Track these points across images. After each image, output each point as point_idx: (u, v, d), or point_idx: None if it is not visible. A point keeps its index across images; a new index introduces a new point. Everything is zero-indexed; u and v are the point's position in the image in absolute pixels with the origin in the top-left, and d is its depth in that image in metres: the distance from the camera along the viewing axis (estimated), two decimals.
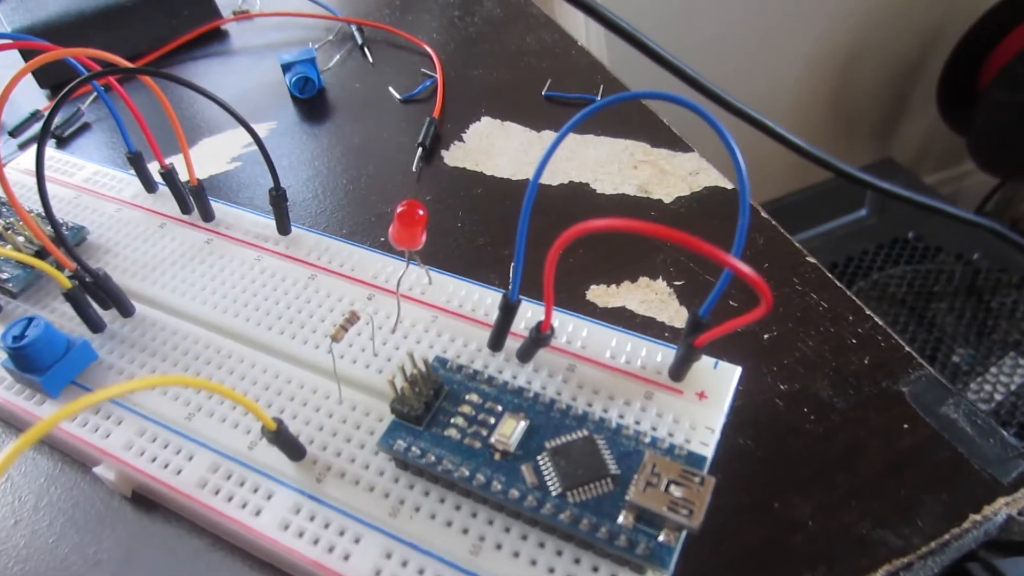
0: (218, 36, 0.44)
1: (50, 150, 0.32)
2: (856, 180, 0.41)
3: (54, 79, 0.39)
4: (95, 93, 0.37)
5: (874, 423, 0.23)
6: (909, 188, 0.43)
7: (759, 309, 0.16)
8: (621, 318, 0.26)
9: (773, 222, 0.29)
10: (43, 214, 0.21)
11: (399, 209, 0.21)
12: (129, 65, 0.22)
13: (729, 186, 0.31)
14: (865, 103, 0.97)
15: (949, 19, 0.88)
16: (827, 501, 0.21)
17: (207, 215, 0.27)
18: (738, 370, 0.22)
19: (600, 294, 0.27)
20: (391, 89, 0.38)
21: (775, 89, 0.89)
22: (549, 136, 0.34)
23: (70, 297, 0.23)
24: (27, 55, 0.39)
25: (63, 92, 0.19)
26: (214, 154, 0.35)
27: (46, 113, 0.37)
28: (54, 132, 0.36)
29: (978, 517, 0.20)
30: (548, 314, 0.20)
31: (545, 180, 0.32)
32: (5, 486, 0.23)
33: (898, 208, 0.88)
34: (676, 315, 0.26)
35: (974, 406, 0.23)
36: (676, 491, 0.18)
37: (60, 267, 0.23)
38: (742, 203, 0.18)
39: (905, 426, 0.23)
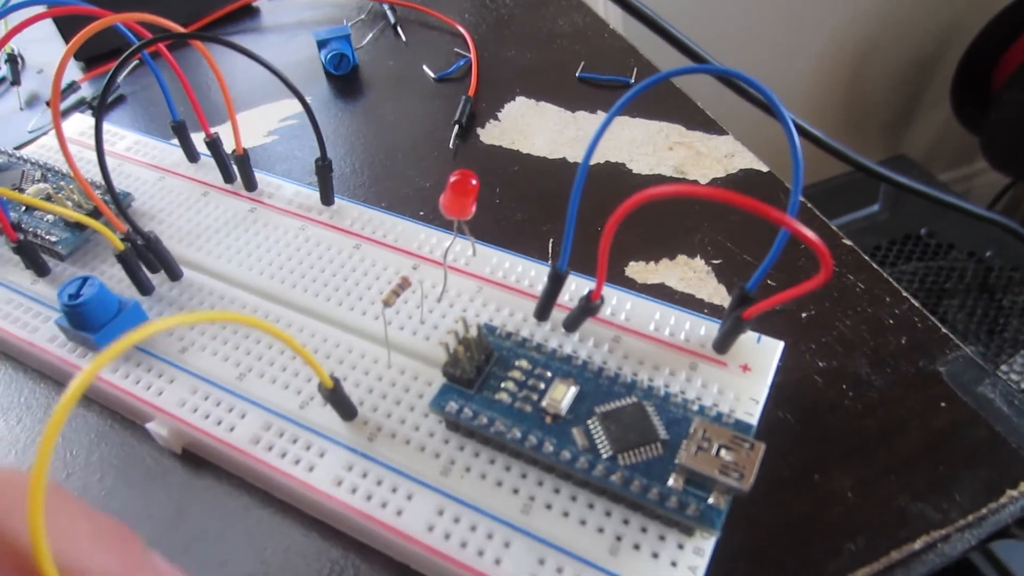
0: (249, 13, 0.44)
1: (87, 119, 0.32)
2: (873, 173, 0.41)
3: (89, 51, 0.40)
4: (131, 65, 0.38)
5: (912, 401, 0.23)
6: (923, 184, 0.43)
7: (818, 277, 0.17)
8: (661, 294, 0.26)
9: (809, 204, 0.29)
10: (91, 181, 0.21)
11: (452, 178, 0.21)
12: (182, 30, 0.23)
13: (764, 168, 0.31)
14: (878, 99, 0.97)
15: (964, 17, 0.87)
16: (866, 475, 0.21)
17: (250, 184, 0.27)
18: (781, 344, 0.22)
19: (639, 271, 0.27)
20: (425, 68, 0.38)
21: (788, 84, 0.89)
22: (583, 117, 0.35)
23: (122, 259, 0.23)
24: (61, 25, 0.39)
25: (124, 55, 0.20)
26: (251, 128, 0.35)
27: (83, 86, 0.37)
28: (89, 103, 0.36)
29: (1015, 493, 0.21)
30: (600, 283, 0.20)
31: (581, 161, 0.32)
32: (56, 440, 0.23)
33: (911, 204, 0.88)
34: (715, 292, 0.26)
35: (1011, 386, 0.23)
36: (727, 455, 0.18)
37: (112, 229, 0.23)
38: (795, 173, 0.19)
39: (942, 404, 0.23)
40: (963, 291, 0.82)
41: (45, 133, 0.34)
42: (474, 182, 0.21)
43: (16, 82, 0.38)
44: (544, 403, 0.20)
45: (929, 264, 0.86)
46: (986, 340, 0.77)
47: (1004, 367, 0.72)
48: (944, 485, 0.21)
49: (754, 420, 0.20)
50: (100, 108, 0.20)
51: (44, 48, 0.41)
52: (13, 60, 0.38)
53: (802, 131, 0.37)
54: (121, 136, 0.31)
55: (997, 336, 0.77)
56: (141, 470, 0.22)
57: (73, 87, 0.37)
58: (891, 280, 0.26)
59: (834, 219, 0.95)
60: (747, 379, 0.21)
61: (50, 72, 0.40)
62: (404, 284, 0.21)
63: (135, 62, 0.38)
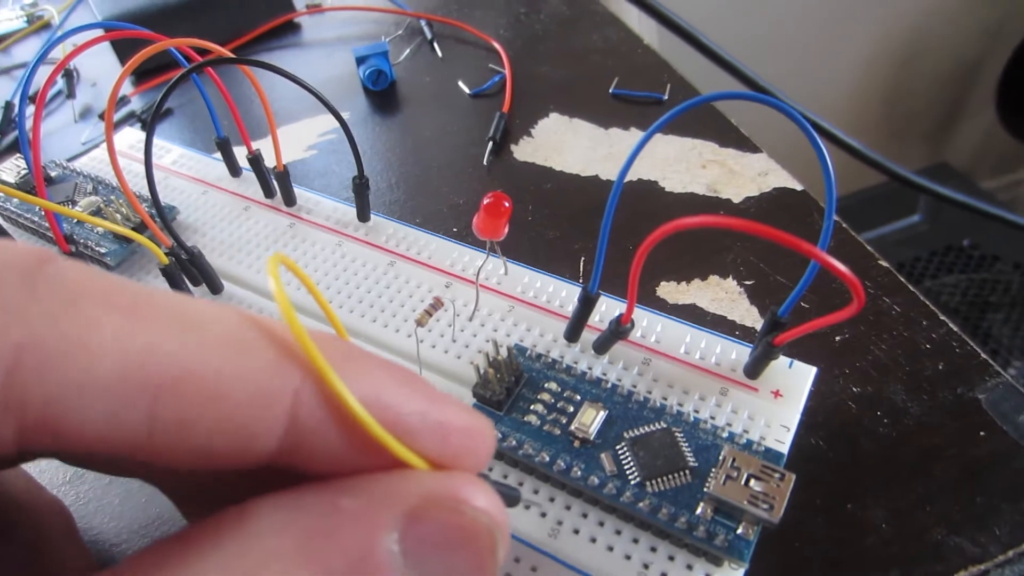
0: (291, 29, 0.45)
1: (136, 132, 0.33)
2: (913, 184, 0.40)
3: (140, 66, 0.41)
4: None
5: (949, 429, 0.23)
6: (965, 194, 0.42)
7: (850, 308, 0.17)
8: (692, 315, 0.26)
9: (844, 224, 0.29)
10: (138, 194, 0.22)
11: (486, 200, 0.21)
12: (228, 54, 0.23)
13: (798, 187, 0.31)
14: (921, 105, 0.95)
15: (1010, 20, 0.85)
16: (901, 505, 0.21)
17: (290, 200, 0.28)
18: (814, 370, 0.22)
19: (670, 291, 0.27)
20: (460, 83, 0.39)
21: (829, 89, 0.88)
22: (616, 133, 0.35)
23: (166, 272, 0.24)
24: (117, 45, 0.40)
25: (176, 78, 0.20)
26: (291, 143, 0.36)
27: (133, 100, 0.38)
28: (139, 116, 0.37)
29: None
30: (630, 307, 0.20)
31: (614, 178, 0.32)
32: None
33: (953, 214, 0.86)
34: (747, 314, 0.26)
35: None
36: (756, 485, 0.18)
37: (157, 243, 0.24)
38: (828, 202, 0.18)
39: (981, 433, 0.22)
40: (1008, 304, 0.80)
41: (97, 146, 0.35)
42: (507, 204, 0.21)
43: (71, 95, 0.39)
44: (573, 426, 0.20)
45: (972, 276, 0.84)
46: None
47: None
48: (982, 518, 0.20)
49: (785, 448, 0.20)
50: (150, 131, 0.21)
51: (97, 61, 0.43)
52: (68, 74, 0.40)
53: (839, 142, 0.36)
54: (168, 149, 0.32)
55: None
56: None
57: (124, 101, 0.38)
58: (928, 303, 0.26)
59: (873, 230, 0.93)
60: (778, 405, 0.21)
61: (103, 85, 0.41)
62: (437, 304, 0.21)
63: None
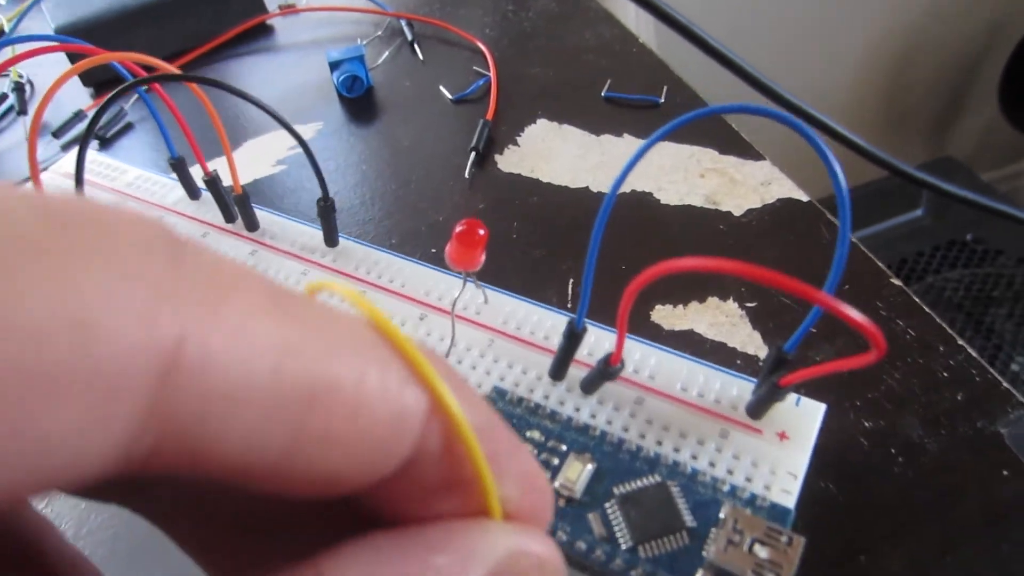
0: (264, 31, 0.43)
1: (92, 153, 0.31)
2: (915, 180, 0.38)
3: (98, 77, 0.39)
4: (132, 98, 0.37)
5: (970, 467, 0.21)
6: (968, 187, 0.40)
7: (867, 356, 0.15)
8: (690, 342, 0.24)
9: (854, 239, 0.27)
10: None
11: (458, 229, 0.19)
12: (173, 70, 0.21)
13: (804, 198, 0.29)
14: (923, 98, 0.93)
15: (1013, 12, 0.83)
16: (919, 555, 0.19)
17: (251, 224, 0.26)
18: (823, 408, 0.20)
19: (666, 315, 0.25)
20: (442, 88, 0.36)
21: (830, 82, 0.86)
22: (608, 140, 0.33)
23: None
24: (74, 59, 0.38)
25: (105, 99, 0.18)
26: (259, 156, 0.34)
27: (89, 114, 0.36)
28: (97, 133, 0.35)
29: None
30: (619, 347, 0.18)
31: (605, 190, 0.30)
32: (45, 510, 0.22)
33: (955, 208, 0.84)
34: (748, 339, 0.24)
35: None
36: (761, 551, 0.16)
37: None
38: (841, 234, 0.16)
39: (1005, 472, 0.20)
40: (1011, 299, 0.78)
41: (49, 166, 0.33)
42: (481, 232, 0.19)
43: (23, 111, 0.37)
44: (557, 483, 0.18)
45: (975, 271, 0.82)
46: None
47: None
48: (1007, 566, 0.19)
49: (792, 501, 0.18)
50: (80, 155, 0.19)
51: (54, 73, 0.41)
52: (20, 88, 0.37)
53: (840, 137, 0.34)
54: (123, 171, 0.30)
55: None
56: (133, 544, 0.21)
57: (80, 116, 0.36)
58: (945, 327, 0.24)
59: (875, 225, 0.91)
60: (784, 449, 0.19)
61: (60, 100, 0.39)
62: None
63: (135, 97, 0.37)
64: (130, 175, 0.29)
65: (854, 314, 0.14)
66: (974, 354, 0.23)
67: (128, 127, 0.36)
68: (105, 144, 0.35)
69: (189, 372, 0.07)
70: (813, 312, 0.18)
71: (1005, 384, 0.23)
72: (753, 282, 0.13)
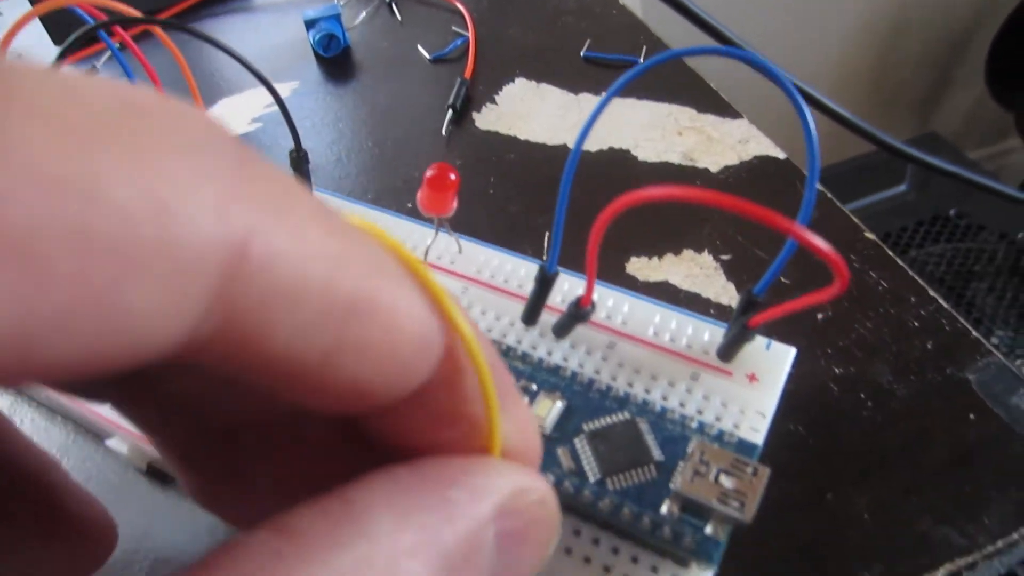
0: None
1: None
2: (900, 153, 0.38)
3: (68, 34, 0.38)
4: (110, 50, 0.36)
5: (937, 412, 0.21)
6: (953, 163, 0.41)
7: (831, 289, 0.15)
8: (664, 293, 0.24)
9: (829, 195, 0.27)
10: None
11: (428, 173, 0.19)
12: (136, 14, 0.21)
13: (781, 156, 0.29)
14: (909, 74, 0.93)
15: None
16: (885, 495, 0.19)
17: None
18: (792, 351, 0.20)
19: (641, 267, 0.25)
20: (420, 48, 0.36)
21: (816, 57, 0.86)
22: (587, 99, 0.32)
23: None
24: (48, 22, 0.38)
25: (64, 45, 0.18)
26: (234, 114, 0.33)
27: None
28: None
29: None
30: (590, 289, 0.18)
31: (583, 146, 0.30)
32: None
33: (940, 184, 0.85)
34: (723, 291, 0.24)
35: None
36: (726, 481, 0.16)
37: None
38: (811, 170, 0.17)
39: (971, 416, 0.21)
40: (993, 274, 0.79)
41: None
42: (452, 176, 0.19)
43: None
44: None
45: (958, 246, 0.83)
46: (1016, 324, 0.74)
47: None
48: (971, 507, 0.19)
49: (760, 438, 0.18)
50: None
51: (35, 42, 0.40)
52: None
53: (826, 110, 0.34)
54: None
55: None
56: (106, 486, 0.21)
57: None
58: (917, 278, 0.24)
59: (859, 200, 0.92)
60: (754, 390, 0.19)
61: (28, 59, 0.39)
62: None
63: (108, 52, 0.36)
64: None
65: (819, 242, 0.14)
66: (945, 305, 0.23)
67: None
68: None
69: (255, 266, 0.08)
70: (783, 254, 0.18)
71: (975, 333, 0.23)
72: (722, 210, 0.13)
